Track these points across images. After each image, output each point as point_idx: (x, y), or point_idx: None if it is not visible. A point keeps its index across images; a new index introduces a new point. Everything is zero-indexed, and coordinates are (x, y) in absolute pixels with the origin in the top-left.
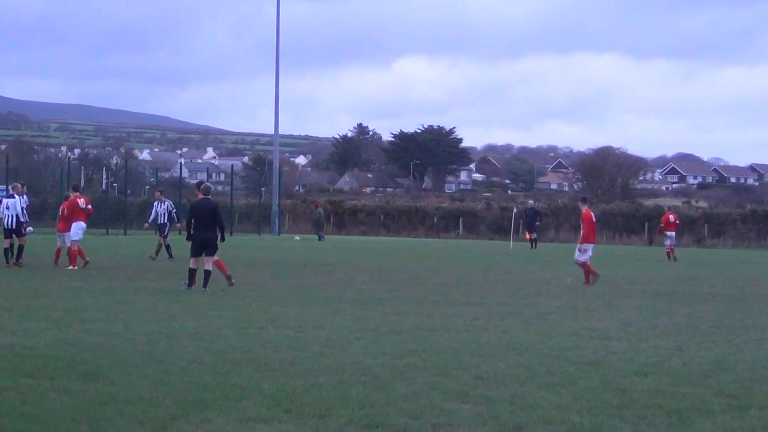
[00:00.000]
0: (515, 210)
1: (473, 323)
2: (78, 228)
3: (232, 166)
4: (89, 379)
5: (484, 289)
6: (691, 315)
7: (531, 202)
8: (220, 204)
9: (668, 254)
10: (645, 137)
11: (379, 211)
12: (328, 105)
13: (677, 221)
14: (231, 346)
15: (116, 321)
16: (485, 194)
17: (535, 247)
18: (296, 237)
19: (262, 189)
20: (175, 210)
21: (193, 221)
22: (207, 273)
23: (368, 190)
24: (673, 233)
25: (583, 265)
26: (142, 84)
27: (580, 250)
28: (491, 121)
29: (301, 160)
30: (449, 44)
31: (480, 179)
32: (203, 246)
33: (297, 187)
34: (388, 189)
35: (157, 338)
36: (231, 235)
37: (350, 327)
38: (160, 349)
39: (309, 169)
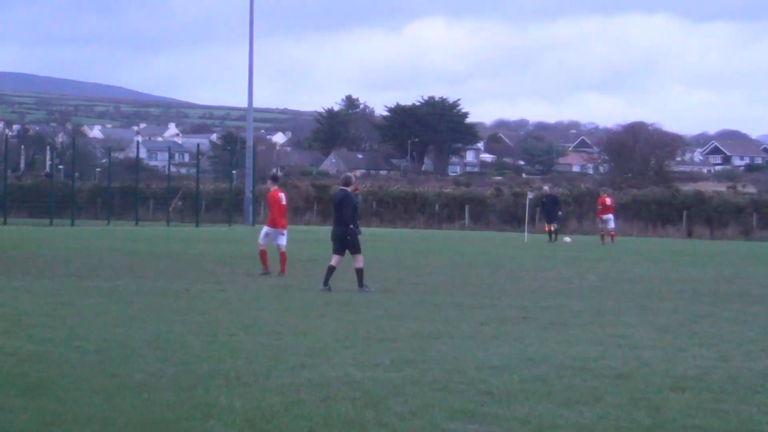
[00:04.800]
0: (530, 196)
1: (481, 329)
2: None
3: (198, 145)
4: (30, 394)
5: (493, 290)
6: (738, 320)
7: (546, 188)
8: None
9: (606, 235)
10: (692, 111)
11: (372, 198)
12: (326, 75)
13: (613, 204)
14: (196, 356)
15: (62, 326)
16: (495, 178)
17: (555, 240)
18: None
19: (234, 172)
20: None
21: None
22: (358, 271)
23: (358, 173)
24: (611, 216)
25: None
26: (96, 49)
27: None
28: (515, 93)
29: (279, 137)
30: (473, 3)
31: (489, 160)
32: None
33: (275, 170)
34: (382, 172)
35: (110, 347)
36: (197, 225)
37: (337, 334)
38: (114, 360)
39: (289, 148)
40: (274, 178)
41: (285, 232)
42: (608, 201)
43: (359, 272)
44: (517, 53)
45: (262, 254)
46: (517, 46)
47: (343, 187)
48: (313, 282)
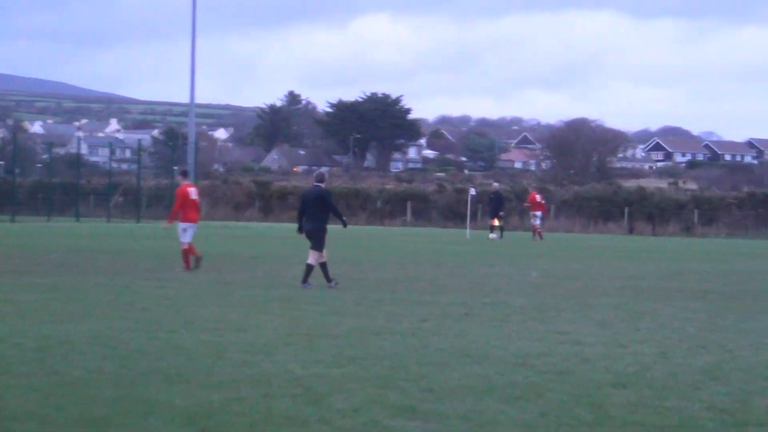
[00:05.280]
0: (472, 192)
1: (423, 326)
2: None
3: (140, 140)
4: None
5: (435, 286)
6: (678, 316)
7: (496, 184)
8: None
9: (535, 231)
10: (635, 108)
11: None
12: (270, 71)
13: (543, 201)
14: (137, 352)
15: (1, 323)
16: (437, 174)
17: (502, 237)
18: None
19: (175, 168)
20: None
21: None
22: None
23: (300, 168)
24: (540, 213)
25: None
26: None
27: None
28: (460, 89)
29: (221, 133)
30: (419, 0)
31: (431, 156)
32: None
33: (216, 166)
34: (324, 168)
35: (49, 344)
36: (138, 222)
37: (278, 330)
38: (54, 357)
39: (230, 144)
40: (184, 174)
41: (194, 227)
42: (538, 198)
43: (309, 268)
44: (462, 49)
45: (185, 253)
46: (463, 42)
47: (318, 184)
48: (254, 279)
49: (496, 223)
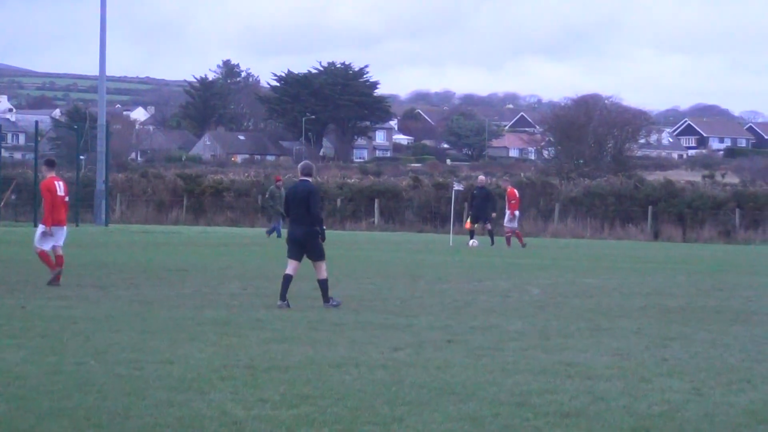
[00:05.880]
0: (456, 188)
1: (395, 356)
2: None
3: (37, 123)
4: None
5: (410, 306)
6: (716, 343)
7: (482, 177)
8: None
9: (509, 239)
10: (662, 81)
11: (256, 190)
12: (202, 35)
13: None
14: (35, 390)
15: None
16: (412, 165)
17: (493, 243)
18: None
19: (82, 158)
20: None
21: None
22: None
23: (239, 158)
24: (518, 212)
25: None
26: None
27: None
28: (441, 57)
29: (139, 114)
30: None
31: (405, 143)
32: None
33: (134, 154)
34: (269, 157)
35: None
36: (36, 225)
37: (212, 362)
38: None
39: (151, 127)
40: (50, 164)
41: (63, 231)
42: (517, 193)
43: (323, 284)
44: (444, 7)
45: (44, 256)
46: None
47: (305, 178)
48: (182, 297)
49: (473, 226)
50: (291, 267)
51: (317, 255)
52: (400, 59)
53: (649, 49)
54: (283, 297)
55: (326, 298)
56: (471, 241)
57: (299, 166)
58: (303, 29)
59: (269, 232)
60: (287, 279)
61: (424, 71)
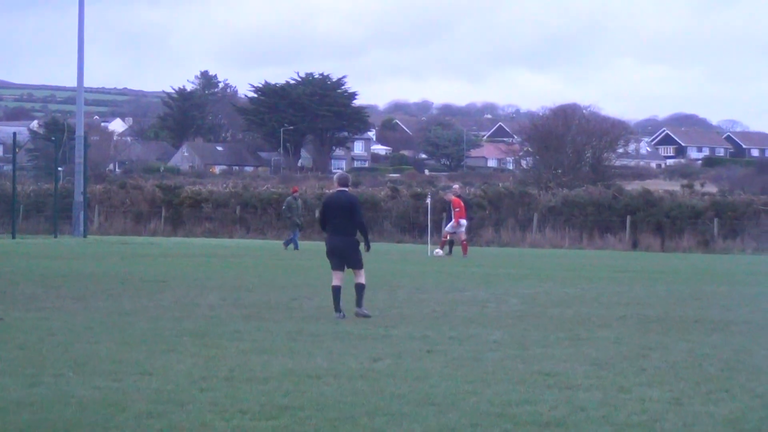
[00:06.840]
0: (429, 199)
1: (374, 366)
2: None
3: (15, 134)
4: None
5: (389, 316)
6: (695, 352)
7: (456, 186)
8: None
9: (443, 243)
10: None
11: (234, 201)
12: (179, 44)
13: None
14: (13, 403)
15: None
16: (390, 175)
17: (463, 255)
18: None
19: (60, 169)
20: None
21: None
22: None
23: (217, 169)
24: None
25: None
26: None
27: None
28: (421, 67)
29: (117, 125)
30: None
31: (383, 153)
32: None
33: (112, 166)
34: (247, 168)
35: None
36: (13, 237)
37: (191, 373)
38: None
39: (129, 138)
40: None
41: None
42: (462, 202)
43: (361, 289)
44: (423, 17)
45: None
46: (428, 8)
47: (342, 188)
48: (160, 309)
49: (447, 237)
50: (337, 278)
51: (358, 264)
52: (382, 70)
53: (629, 58)
54: (337, 308)
55: (360, 303)
56: (437, 250)
57: (336, 177)
58: (285, 40)
59: (286, 244)
60: (336, 290)
61: (405, 82)
